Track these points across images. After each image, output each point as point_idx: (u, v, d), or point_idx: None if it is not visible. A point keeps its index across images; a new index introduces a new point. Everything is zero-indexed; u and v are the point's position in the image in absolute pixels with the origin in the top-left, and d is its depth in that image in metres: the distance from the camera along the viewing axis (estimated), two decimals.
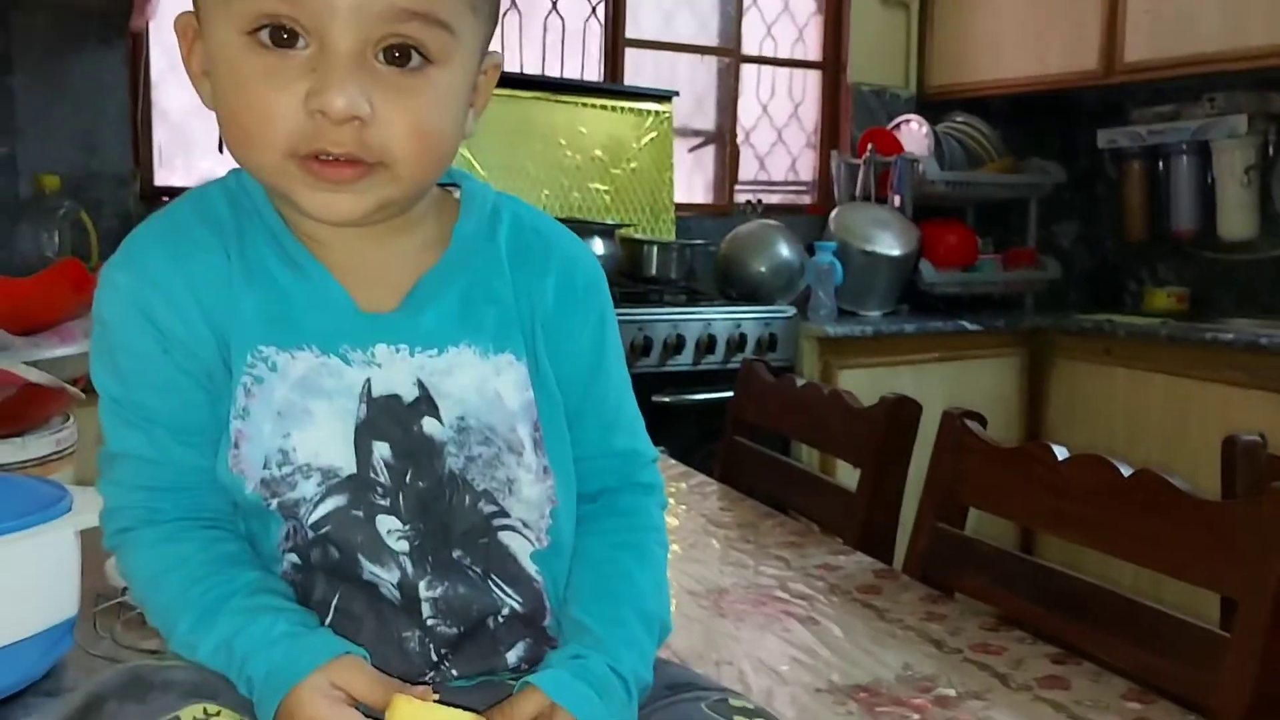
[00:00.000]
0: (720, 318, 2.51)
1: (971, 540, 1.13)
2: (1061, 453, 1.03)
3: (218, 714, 0.55)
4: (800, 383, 1.49)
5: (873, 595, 1.06)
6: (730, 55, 3.19)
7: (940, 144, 3.11)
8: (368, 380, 0.62)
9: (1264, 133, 2.84)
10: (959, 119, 3.25)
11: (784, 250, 2.79)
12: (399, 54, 0.56)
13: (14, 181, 2.22)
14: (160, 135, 2.45)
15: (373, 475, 0.62)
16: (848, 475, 1.78)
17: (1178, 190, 3.02)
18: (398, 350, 0.62)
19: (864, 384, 2.43)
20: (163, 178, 2.46)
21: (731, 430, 1.61)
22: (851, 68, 3.28)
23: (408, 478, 0.62)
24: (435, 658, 0.63)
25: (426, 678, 0.63)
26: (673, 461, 1.60)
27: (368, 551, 0.62)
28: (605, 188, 2.88)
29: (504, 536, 0.65)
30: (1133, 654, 0.93)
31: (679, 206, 3.02)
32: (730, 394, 1.70)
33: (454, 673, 0.64)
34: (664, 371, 2.42)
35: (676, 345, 2.43)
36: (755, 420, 1.59)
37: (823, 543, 1.24)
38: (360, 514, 0.62)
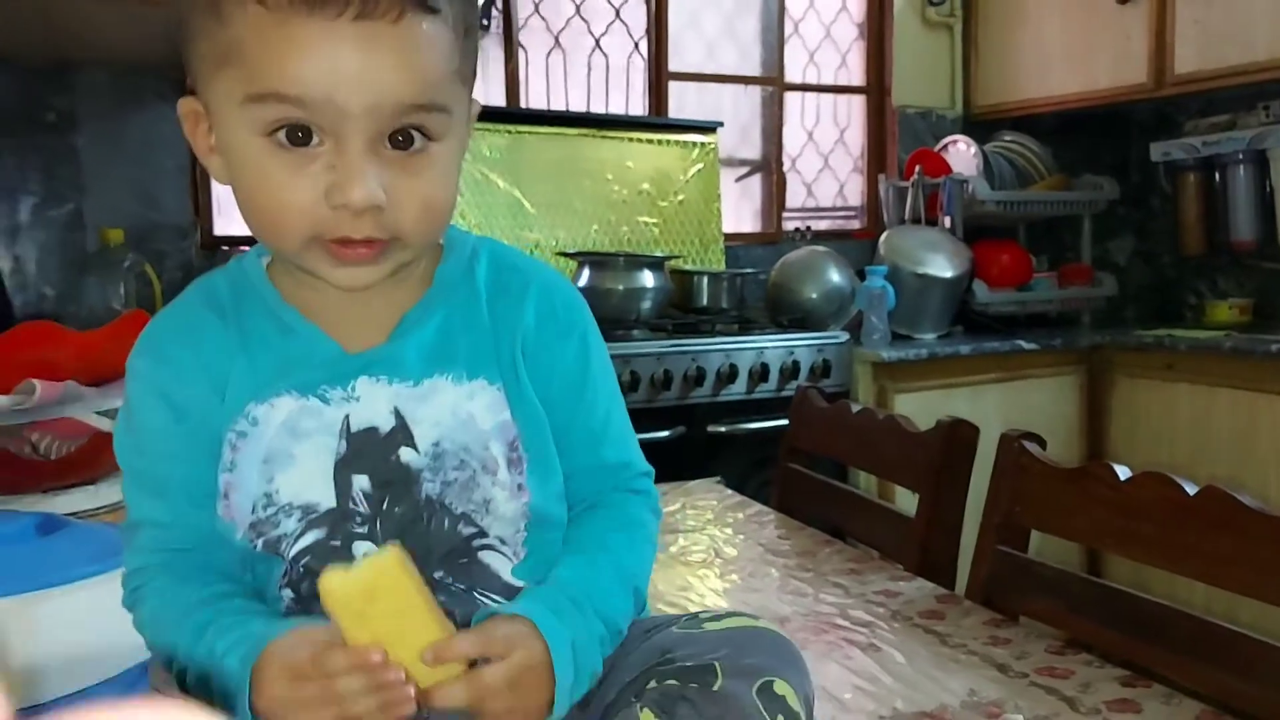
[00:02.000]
0: (773, 346, 2.51)
1: (1035, 563, 1.11)
2: (1123, 471, 1.02)
3: None
4: (855, 408, 1.48)
5: (935, 621, 1.05)
6: (774, 84, 3.21)
7: (989, 163, 3.09)
8: (346, 416, 0.67)
9: None
10: (1007, 138, 3.23)
11: (834, 276, 2.78)
12: (403, 139, 0.62)
13: (80, 236, 2.29)
14: (218, 186, 2.51)
15: (352, 506, 0.66)
16: (905, 501, 1.76)
17: (1235, 201, 2.96)
18: (377, 380, 0.67)
19: (920, 407, 2.41)
20: (221, 227, 2.53)
21: (787, 458, 1.61)
22: (896, 91, 3.27)
23: (385, 504, 0.66)
24: None
25: None
26: (729, 491, 1.60)
27: None
28: (654, 221, 2.90)
29: (484, 556, 0.68)
30: (1207, 675, 0.91)
31: (728, 236, 3.03)
32: (784, 422, 1.69)
33: None
34: (718, 401, 2.41)
35: (730, 375, 2.43)
36: (810, 447, 1.59)
37: (882, 569, 1.22)
38: (338, 543, 0.66)
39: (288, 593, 0.67)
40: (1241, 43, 2.61)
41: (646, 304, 2.49)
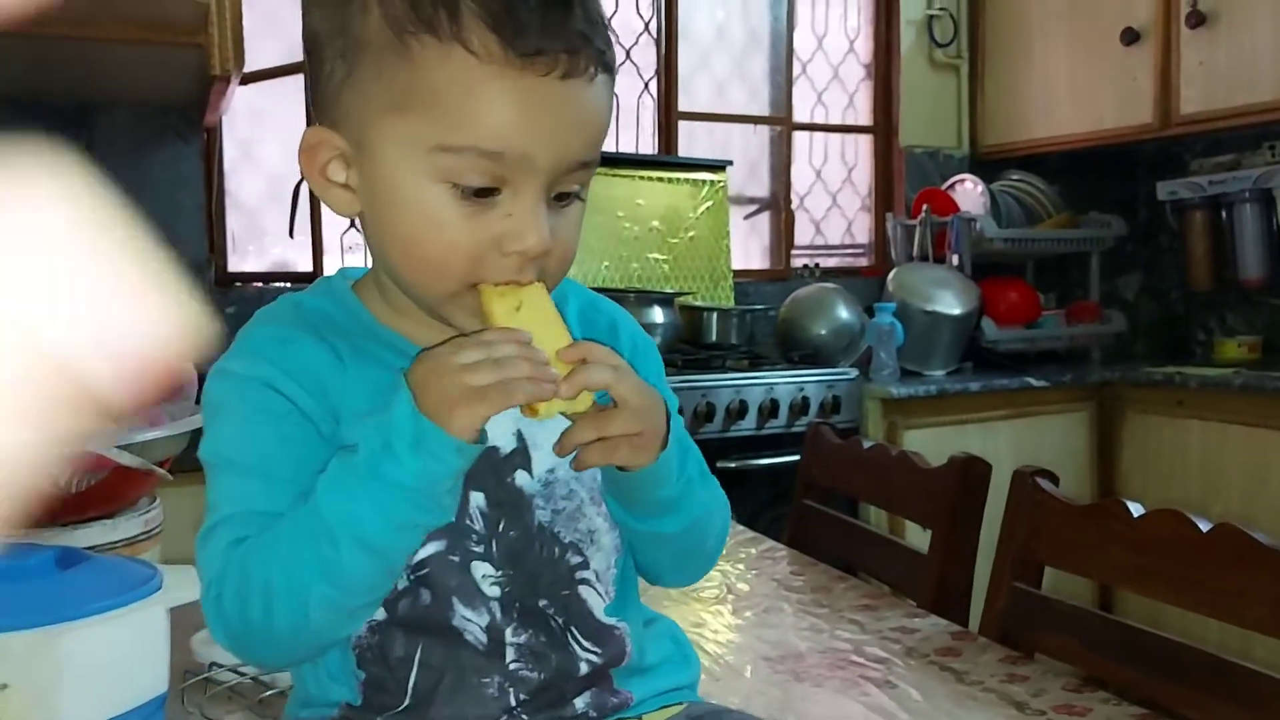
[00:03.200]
0: (782, 381, 2.51)
1: (1050, 599, 1.11)
2: (1136, 509, 1.02)
3: None
4: (867, 444, 1.48)
5: (951, 657, 1.05)
6: (782, 123, 3.24)
7: (996, 202, 3.11)
8: None
9: None
10: (1014, 177, 3.25)
11: (843, 312, 2.79)
12: (566, 193, 0.63)
13: None
14: (233, 223, 2.55)
15: (468, 523, 0.66)
16: (914, 537, 1.76)
17: (1243, 239, 2.97)
18: None
19: (930, 444, 2.41)
20: (235, 264, 2.55)
21: (801, 494, 1.61)
22: (903, 130, 3.30)
23: (500, 526, 0.66)
24: (513, 703, 0.66)
25: None
26: (741, 527, 1.59)
27: (462, 595, 0.65)
28: (664, 257, 2.92)
29: (583, 590, 0.68)
30: (1226, 713, 0.90)
31: (737, 273, 3.05)
32: (795, 457, 1.69)
33: (524, 717, 0.66)
34: (728, 437, 2.42)
35: (739, 411, 2.44)
36: (824, 483, 1.59)
37: (897, 605, 1.22)
38: (456, 559, 0.65)
39: (396, 608, 0.65)
40: (1247, 84, 2.63)
41: (657, 340, 2.50)
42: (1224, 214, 3.02)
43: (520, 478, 0.67)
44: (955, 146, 3.37)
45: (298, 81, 2.51)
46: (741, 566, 1.38)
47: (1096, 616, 1.06)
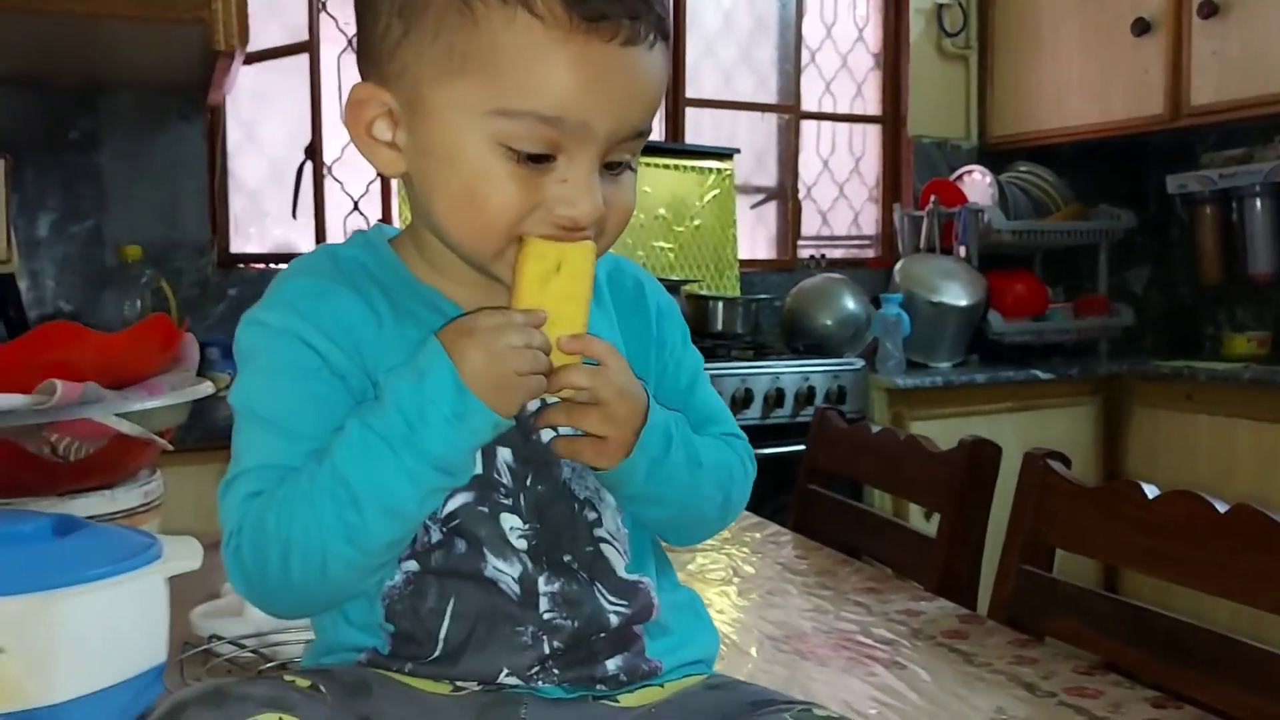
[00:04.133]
0: (788, 371, 2.50)
1: (1060, 582, 1.09)
2: (1151, 490, 1.00)
3: None
4: (875, 429, 1.47)
5: (959, 640, 1.03)
6: (790, 112, 3.22)
7: (1004, 193, 3.09)
8: None
9: None
10: (1023, 168, 3.23)
11: (849, 303, 2.78)
12: (618, 161, 0.64)
13: (99, 252, 2.31)
14: (236, 205, 2.54)
15: (496, 476, 0.66)
16: (917, 522, 1.74)
17: (1253, 233, 2.95)
18: None
19: (936, 434, 2.36)
20: (238, 245, 2.54)
21: (805, 478, 1.59)
22: (912, 121, 3.28)
23: (528, 481, 0.67)
24: (546, 650, 0.66)
25: (532, 671, 0.65)
26: (745, 512, 1.58)
27: (492, 546, 0.66)
28: (670, 245, 2.90)
29: (604, 548, 0.69)
30: (1239, 697, 0.89)
31: (743, 263, 3.03)
32: (800, 447, 1.68)
33: (555, 672, 0.66)
34: None
35: (745, 399, 2.42)
36: (829, 467, 1.58)
37: (903, 588, 1.21)
38: (485, 510, 0.66)
39: (409, 565, 0.66)
40: (1259, 75, 2.61)
41: None
42: (1234, 207, 3.00)
43: (546, 435, 0.67)
44: (964, 137, 3.35)
45: (301, 63, 2.50)
46: (746, 550, 1.37)
47: (1106, 599, 1.05)
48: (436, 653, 0.65)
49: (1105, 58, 2.96)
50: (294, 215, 2.35)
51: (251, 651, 0.89)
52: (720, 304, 2.76)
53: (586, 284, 0.63)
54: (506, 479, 0.66)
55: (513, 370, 0.59)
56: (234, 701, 0.56)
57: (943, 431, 2.53)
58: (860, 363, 2.62)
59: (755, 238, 3.21)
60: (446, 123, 0.61)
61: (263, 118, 2.57)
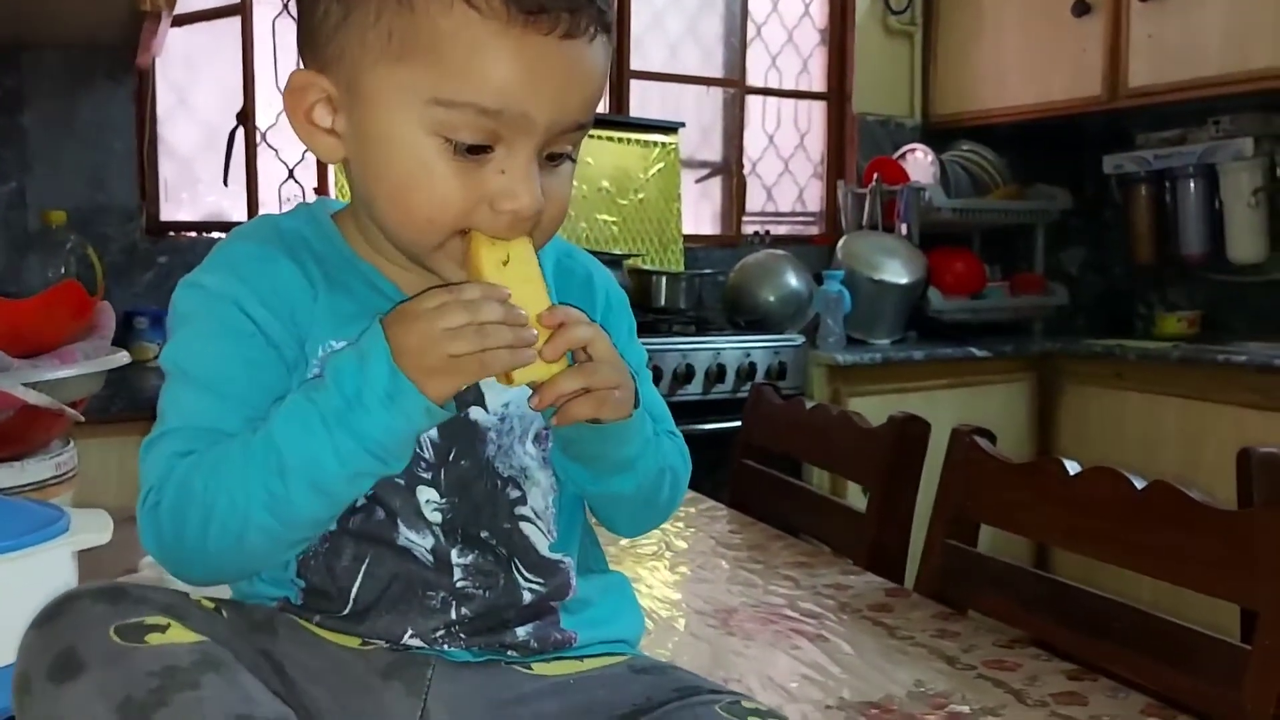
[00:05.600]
0: (729, 347, 2.50)
1: (984, 557, 1.11)
2: (1073, 466, 1.02)
3: (168, 628, 0.55)
4: (809, 405, 1.47)
5: (883, 613, 1.04)
6: (735, 86, 3.21)
7: (946, 172, 3.11)
8: None
9: (1270, 154, 2.83)
10: (965, 147, 3.25)
11: (792, 280, 2.78)
12: (558, 154, 0.64)
13: (22, 216, 2.23)
14: (167, 171, 2.47)
15: (418, 450, 0.66)
16: (857, 499, 1.75)
17: (1185, 214, 3.00)
18: None
19: (874, 410, 2.38)
20: (169, 213, 2.47)
21: (741, 454, 1.60)
22: (856, 98, 3.29)
23: (451, 456, 0.67)
24: (454, 616, 0.66)
25: (439, 634, 0.66)
26: None
27: (406, 517, 0.66)
28: (613, 219, 2.89)
29: (524, 526, 0.69)
30: (1152, 670, 0.90)
31: (687, 238, 3.02)
32: (740, 423, 1.68)
33: (462, 636, 0.67)
34: (674, 401, 2.38)
35: (686, 375, 2.42)
36: (764, 443, 1.58)
37: (833, 563, 1.22)
38: (402, 482, 0.66)
39: (348, 522, 0.66)
40: (1194, 58, 2.65)
41: None
42: (1168, 189, 3.05)
43: (475, 412, 0.67)
44: (908, 115, 3.36)
45: (234, 25, 2.43)
46: (680, 524, 1.37)
47: (1029, 574, 1.06)
48: (346, 610, 0.66)
49: (1046, 38, 2.99)
50: (225, 183, 2.29)
51: None
52: (663, 279, 2.75)
53: (538, 271, 0.64)
54: (428, 453, 0.66)
55: (445, 353, 0.58)
56: (130, 602, 0.56)
57: (881, 407, 2.53)
58: (801, 339, 2.63)
59: (700, 213, 3.20)
60: (385, 110, 0.61)
61: (195, 82, 2.49)
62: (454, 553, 0.67)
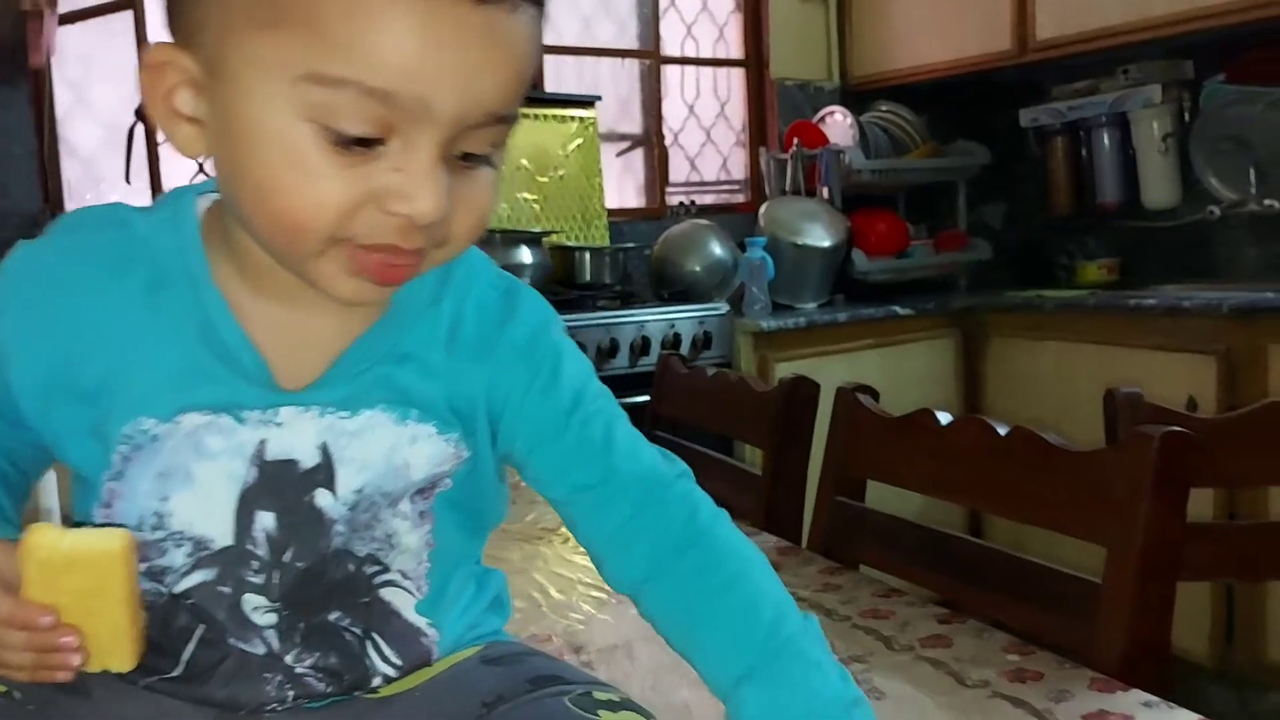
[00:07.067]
0: (653, 319, 2.51)
1: (867, 511, 1.13)
2: (945, 418, 1.04)
3: None
4: (710, 372, 1.49)
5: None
6: (651, 57, 3.21)
7: (865, 134, 3.13)
8: (262, 441, 0.57)
9: (1178, 100, 2.88)
10: (884, 108, 3.28)
11: (717, 249, 2.80)
12: (471, 154, 0.53)
13: None
14: (69, 171, 2.43)
15: (250, 547, 0.58)
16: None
17: (1100, 163, 3.05)
18: (306, 410, 0.58)
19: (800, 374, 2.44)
20: None
21: (651, 424, 1.61)
22: (774, 63, 3.30)
23: (287, 556, 0.58)
24: (294, 696, 0.61)
25: (281, 709, 0.61)
26: None
27: (233, 628, 0.59)
28: (534, 197, 2.88)
29: (385, 593, 0.61)
30: (1017, 610, 0.93)
31: (612, 212, 3.02)
32: None
33: (314, 707, 0.62)
34: (601, 376, 2.40)
35: (610, 349, 2.43)
36: (673, 413, 1.60)
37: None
38: (228, 590, 0.58)
39: (155, 585, 0.59)
40: (1098, 8, 2.69)
41: (524, 280, 2.47)
42: (1083, 139, 3.09)
43: (321, 498, 0.58)
44: (826, 78, 3.37)
45: (127, 20, 2.39)
46: None
47: (908, 526, 1.09)
48: (177, 671, 0.60)
49: None
50: (127, 180, 2.26)
51: None
52: (587, 254, 2.75)
53: (122, 579, 0.52)
54: (263, 551, 0.58)
55: None
56: None
57: (807, 372, 2.52)
58: (725, 307, 2.64)
59: (624, 186, 3.20)
60: (248, 90, 0.49)
61: (92, 79, 2.45)
62: (289, 657, 0.60)
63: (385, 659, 0.61)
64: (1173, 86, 2.87)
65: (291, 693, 0.60)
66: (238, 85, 0.49)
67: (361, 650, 0.61)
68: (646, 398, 2.37)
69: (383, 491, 0.59)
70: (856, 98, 3.32)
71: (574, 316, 2.40)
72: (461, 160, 0.52)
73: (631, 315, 2.50)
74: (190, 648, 0.59)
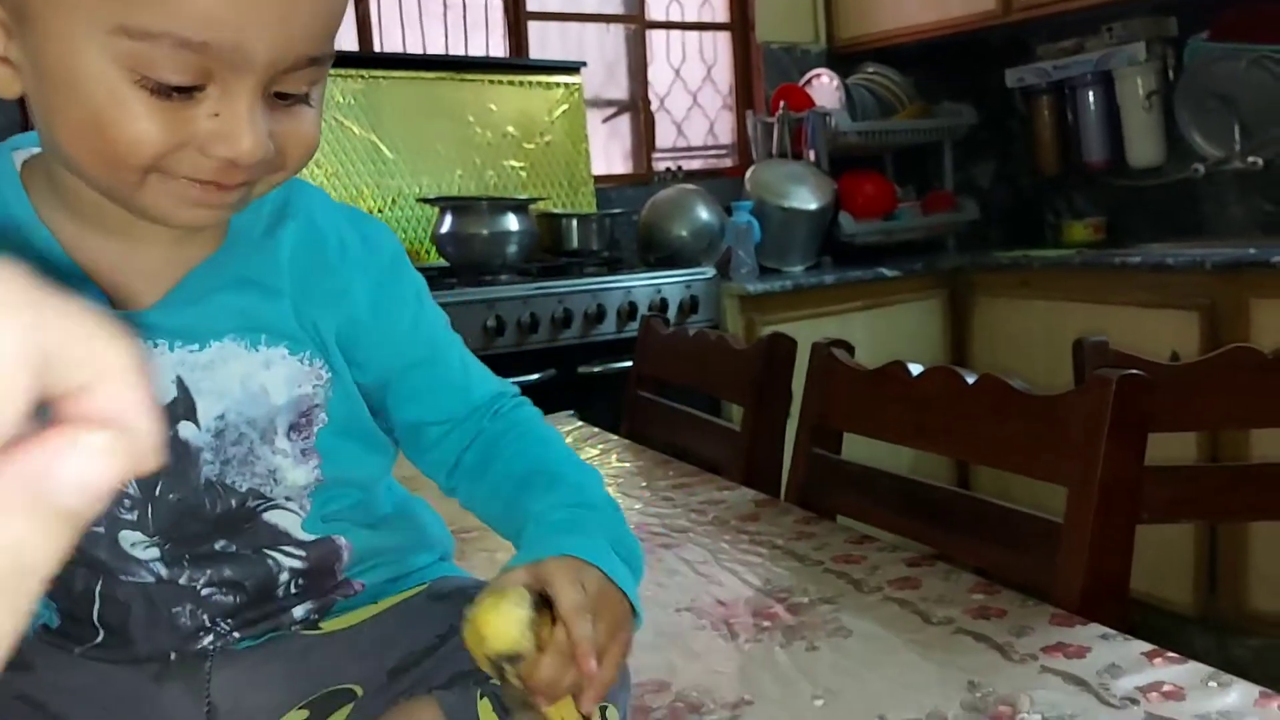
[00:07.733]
0: (640, 285, 2.52)
1: (842, 463, 1.15)
2: (916, 369, 1.06)
3: None
4: (691, 332, 1.51)
5: (750, 522, 1.09)
6: (636, 22, 3.20)
7: (851, 96, 3.14)
8: None
9: (1162, 57, 2.88)
10: (870, 69, 3.28)
11: (703, 213, 2.80)
12: (290, 93, 0.54)
13: None
14: None
15: (121, 485, 0.59)
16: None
17: (1086, 122, 3.06)
18: (155, 345, 0.58)
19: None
20: None
21: (635, 386, 1.63)
22: (760, 26, 3.29)
23: (158, 489, 0.59)
24: (209, 624, 0.62)
25: (205, 642, 0.62)
26: (580, 423, 1.62)
27: (114, 563, 0.60)
28: (520, 164, 2.88)
29: (269, 515, 0.62)
30: (984, 551, 0.96)
31: (599, 178, 3.03)
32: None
33: (236, 635, 0.63)
34: (588, 342, 2.43)
35: (598, 315, 2.44)
36: (655, 374, 1.62)
37: (712, 481, 1.26)
38: (101, 529, 0.58)
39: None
40: None
41: (512, 248, 2.49)
42: (1068, 97, 3.10)
43: (185, 429, 0.58)
44: (813, 41, 3.37)
45: None
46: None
47: (881, 474, 1.11)
48: (99, 638, 0.61)
49: None
50: None
51: None
52: (574, 221, 2.76)
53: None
54: (132, 489, 0.58)
55: None
56: None
57: (795, 334, 2.58)
58: (712, 271, 2.65)
59: (610, 152, 3.20)
60: (59, 38, 0.48)
61: None
62: (183, 579, 0.61)
63: (288, 556, 0.63)
64: (1156, 44, 2.87)
65: (205, 615, 0.61)
66: (47, 31, 0.49)
67: (258, 557, 0.62)
68: (631, 363, 2.41)
69: (247, 419, 0.60)
70: (842, 60, 3.32)
71: (561, 283, 2.41)
72: (280, 99, 0.53)
73: (619, 281, 2.51)
74: (96, 606, 0.60)
